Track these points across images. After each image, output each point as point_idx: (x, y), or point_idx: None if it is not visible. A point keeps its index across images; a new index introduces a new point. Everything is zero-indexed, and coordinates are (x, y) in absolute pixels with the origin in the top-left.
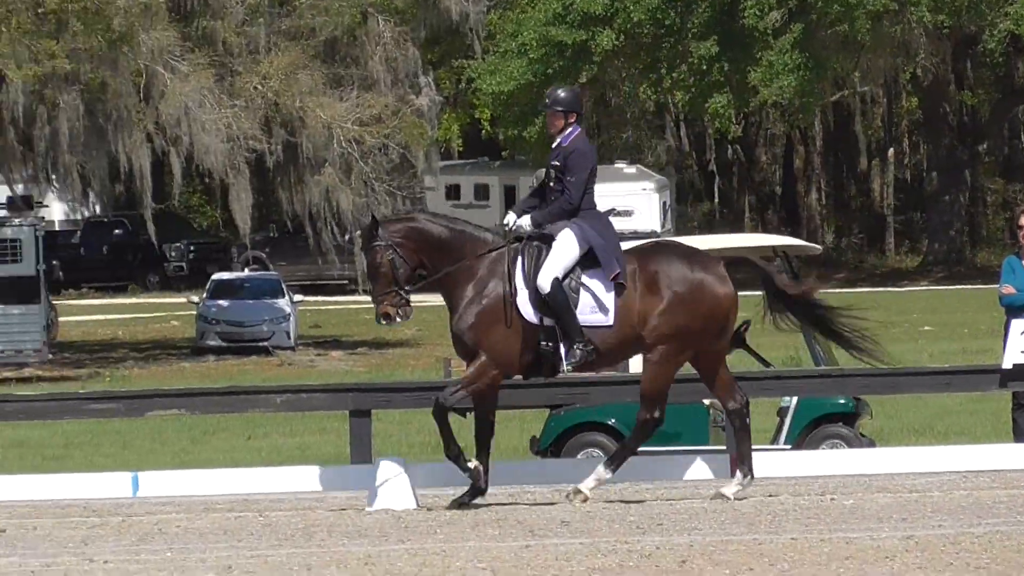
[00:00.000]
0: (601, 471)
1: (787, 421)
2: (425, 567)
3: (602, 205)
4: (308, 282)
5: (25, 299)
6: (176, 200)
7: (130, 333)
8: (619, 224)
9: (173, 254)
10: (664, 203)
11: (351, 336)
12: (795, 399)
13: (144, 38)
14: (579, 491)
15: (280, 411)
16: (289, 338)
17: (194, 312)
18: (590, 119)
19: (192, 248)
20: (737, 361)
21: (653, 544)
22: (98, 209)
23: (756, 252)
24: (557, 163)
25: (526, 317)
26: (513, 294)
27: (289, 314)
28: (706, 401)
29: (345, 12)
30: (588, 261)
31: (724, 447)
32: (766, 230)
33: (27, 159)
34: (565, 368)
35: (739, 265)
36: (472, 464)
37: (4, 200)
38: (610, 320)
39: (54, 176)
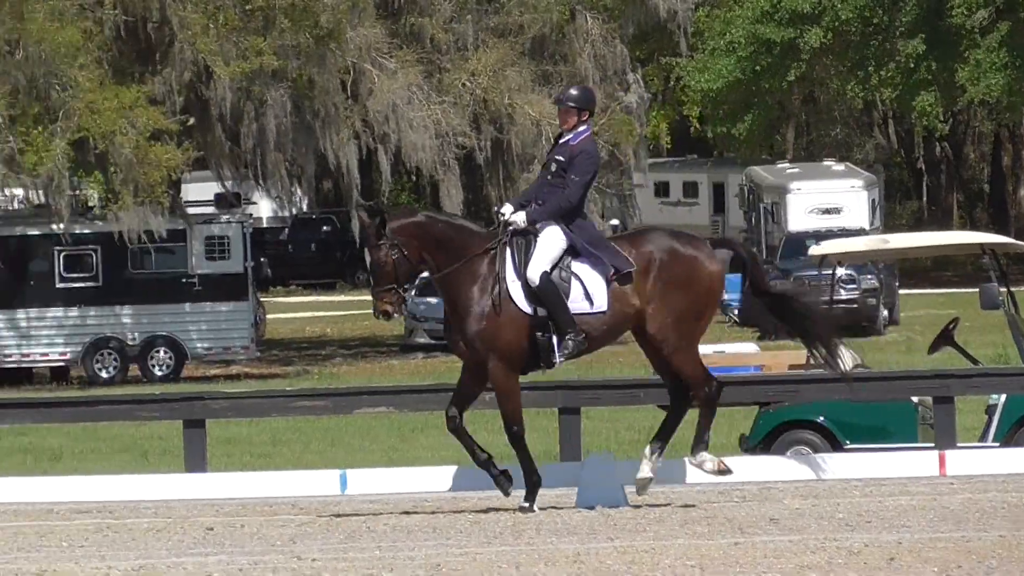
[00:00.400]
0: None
1: (995, 418)
2: (634, 565)
3: (811, 202)
4: None
5: (233, 296)
6: (385, 197)
7: (338, 330)
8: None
9: None
10: (872, 200)
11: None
12: (1004, 396)
13: (352, 35)
14: (643, 480)
15: (489, 408)
16: None
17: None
18: (799, 117)
19: None
20: (946, 359)
21: (861, 541)
22: (306, 206)
23: (965, 250)
24: (562, 159)
25: (521, 308)
26: (507, 287)
27: None
28: (914, 399)
29: (553, 9)
30: (574, 252)
31: (933, 444)
32: (974, 228)
33: (235, 156)
34: (557, 359)
35: (722, 247)
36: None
37: (212, 197)
38: (604, 306)
39: (262, 173)
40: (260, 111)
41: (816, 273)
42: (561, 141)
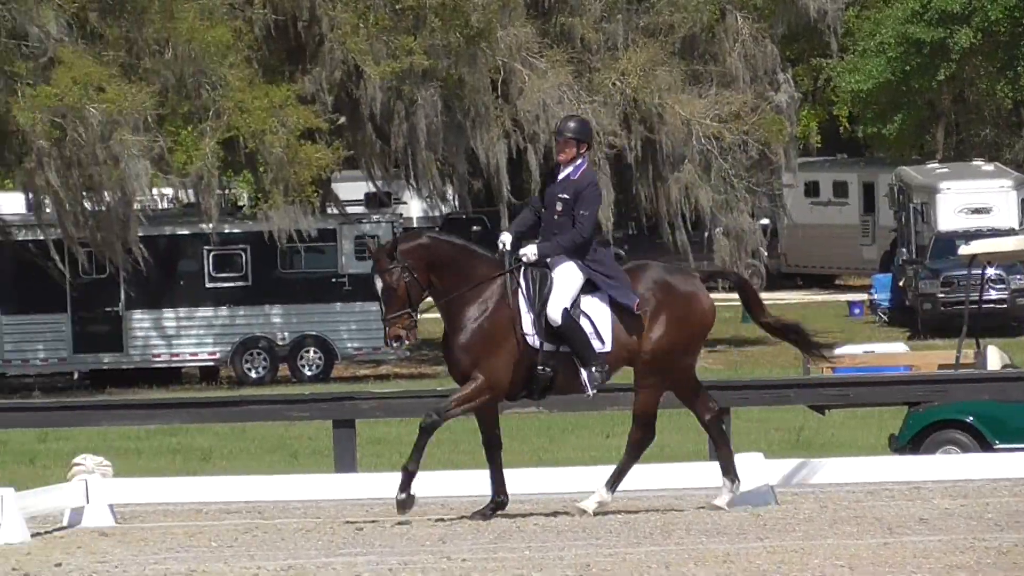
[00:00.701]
0: (603, 492)
1: None
2: (783, 564)
3: (961, 202)
4: None
5: None
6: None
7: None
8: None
9: None
10: (1022, 200)
11: (710, 333)
12: None
13: (502, 34)
14: (582, 510)
15: (676, 408)
16: None
17: None
18: (949, 117)
19: None
20: None
21: (1011, 541)
22: (456, 205)
23: None
24: (567, 196)
25: (529, 342)
26: (517, 319)
27: None
28: None
29: (703, 9)
30: (584, 288)
31: None
32: None
33: (385, 155)
34: (591, 393)
35: (716, 277)
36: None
37: (362, 196)
38: (608, 347)
39: (412, 172)
40: (411, 110)
41: (965, 273)
42: (561, 176)
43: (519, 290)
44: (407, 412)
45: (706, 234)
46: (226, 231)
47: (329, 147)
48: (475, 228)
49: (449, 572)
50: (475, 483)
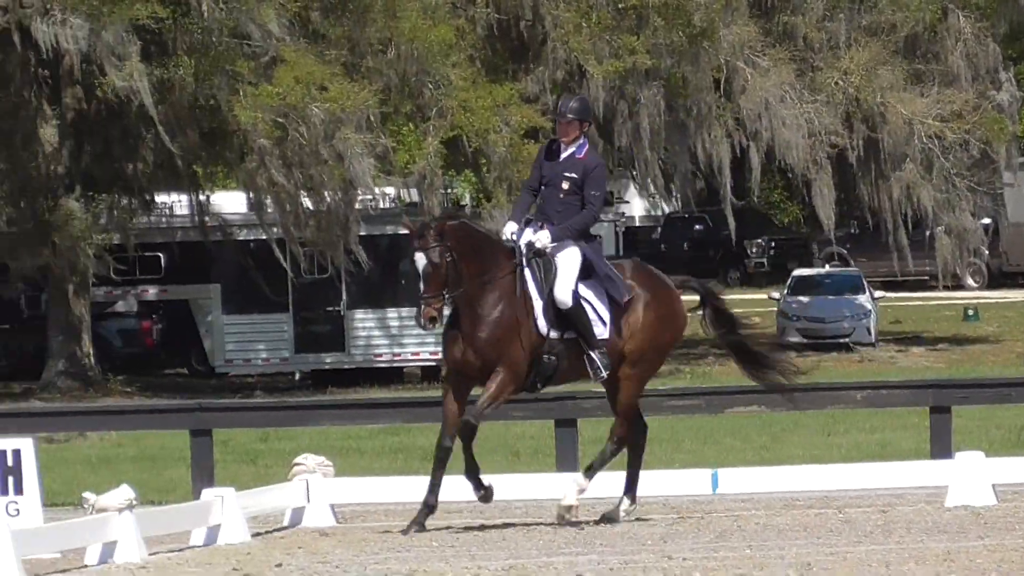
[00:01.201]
0: (581, 479)
1: None
2: (1003, 563)
3: None
4: (889, 278)
5: None
6: (756, 196)
7: (709, 329)
8: None
9: (754, 250)
10: None
11: (931, 332)
12: None
13: (725, 33)
14: (568, 506)
15: (860, 407)
16: (870, 334)
17: (775, 308)
18: None
19: (773, 244)
20: None
21: None
22: (678, 204)
23: None
24: (574, 175)
25: (540, 330)
26: (531, 308)
27: (870, 310)
28: None
29: (925, 8)
30: (582, 275)
31: None
32: None
33: (608, 154)
34: (603, 375)
35: (685, 286)
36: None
37: None
38: (607, 333)
39: (635, 171)
40: (633, 109)
41: None
42: (564, 155)
43: (528, 279)
44: None
45: (927, 233)
46: None
47: None
48: (697, 227)
49: (670, 571)
50: (696, 483)
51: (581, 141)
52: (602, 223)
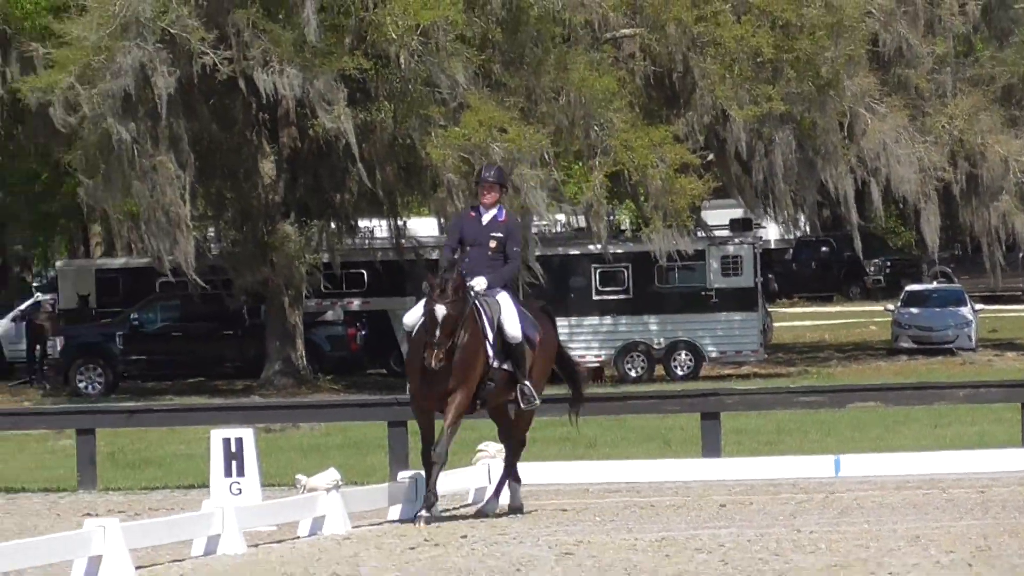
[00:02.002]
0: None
1: None
2: None
3: None
4: (987, 293)
5: (744, 307)
6: (874, 222)
7: (834, 336)
8: None
9: (872, 268)
10: None
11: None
12: None
13: (848, 84)
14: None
15: (961, 403)
16: (971, 341)
17: (889, 318)
18: None
19: (888, 263)
20: None
21: None
22: (807, 229)
23: None
24: (500, 235)
25: (491, 361)
26: (487, 340)
27: (971, 320)
28: None
29: (1020, 63)
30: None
31: None
32: None
33: (747, 186)
34: (536, 403)
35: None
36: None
37: (727, 222)
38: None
39: (771, 201)
40: (769, 148)
41: None
42: (487, 217)
43: (482, 317)
44: (764, 406)
45: (1020, 255)
46: (611, 251)
47: (700, 179)
48: (823, 249)
49: (799, 542)
50: (822, 467)
51: (500, 205)
52: (742, 245)
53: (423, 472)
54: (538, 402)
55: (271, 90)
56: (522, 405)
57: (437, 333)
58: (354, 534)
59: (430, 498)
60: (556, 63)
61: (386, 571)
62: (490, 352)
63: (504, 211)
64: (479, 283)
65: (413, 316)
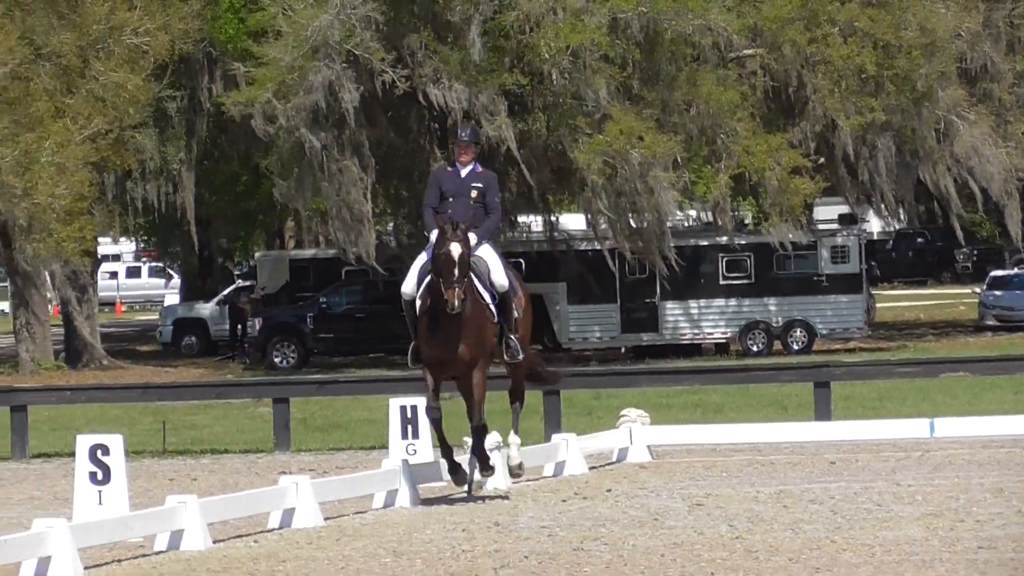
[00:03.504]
0: (514, 438)
1: None
2: None
3: None
4: None
5: (850, 290)
6: (968, 217)
7: (928, 315)
8: None
9: (961, 256)
10: None
11: None
12: None
13: (941, 95)
14: (518, 464)
15: None
16: None
17: (976, 300)
18: None
19: (975, 252)
20: None
21: None
22: (905, 223)
23: None
24: (480, 185)
25: (494, 320)
26: (488, 306)
27: None
28: None
29: None
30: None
31: None
32: None
33: (853, 186)
34: (520, 357)
35: None
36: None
37: (836, 216)
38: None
39: (874, 199)
40: (872, 153)
41: None
42: (464, 172)
43: (472, 276)
44: (867, 376)
45: None
46: (736, 242)
47: (812, 180)
48: (919, 240)
49: (898, 494)
50: (918, 429)
51: (474, 161)
52: (848, 236)
53: (562, 435)
54: (521, 356)
55: (441, 103)
56: (506, 358)
57: (456, 272)
58: (513, 488)
59: (486, 459)
60: (687, 79)
61: (541, 520)
62: (492, 311)
63: (479, 166)
64: (471, 238)
65: (410, 284)
